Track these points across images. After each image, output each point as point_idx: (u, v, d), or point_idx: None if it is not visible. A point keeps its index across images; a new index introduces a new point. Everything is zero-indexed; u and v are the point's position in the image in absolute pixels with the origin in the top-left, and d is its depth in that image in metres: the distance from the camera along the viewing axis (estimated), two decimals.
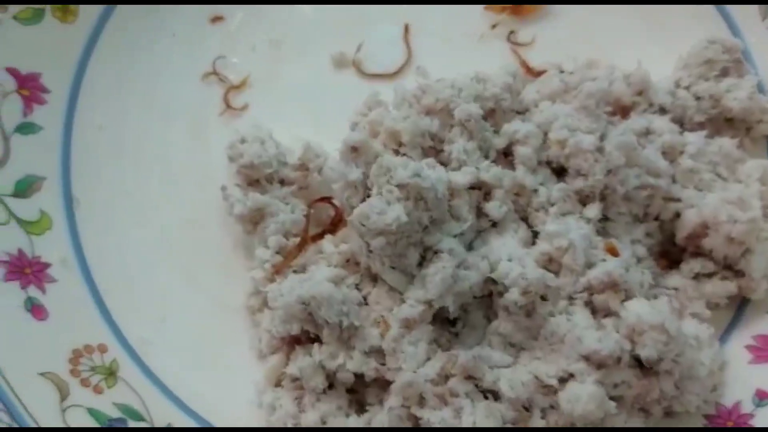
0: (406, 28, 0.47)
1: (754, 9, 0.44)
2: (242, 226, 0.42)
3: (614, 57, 0.44)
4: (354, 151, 0.39)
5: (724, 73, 0.42)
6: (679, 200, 0.39)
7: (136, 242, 0.43)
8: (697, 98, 0.42)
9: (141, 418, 0.38)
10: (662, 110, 0.42)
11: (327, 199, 0.42)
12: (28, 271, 0.39)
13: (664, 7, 0.46)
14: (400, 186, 0.36)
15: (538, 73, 0.45)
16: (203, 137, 0.45)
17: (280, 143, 0.43)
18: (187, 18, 0.47)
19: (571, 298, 0.37)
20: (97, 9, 0.45)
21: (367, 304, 0.38)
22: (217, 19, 0.47)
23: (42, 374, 0.37)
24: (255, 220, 0.42)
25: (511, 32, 0.47)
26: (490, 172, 0.39)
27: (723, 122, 0.42)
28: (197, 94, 0.46)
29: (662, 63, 0.44)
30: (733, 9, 0.45)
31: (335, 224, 0.41)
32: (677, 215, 0.39)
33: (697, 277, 0.39)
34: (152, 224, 0.43)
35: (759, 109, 0.41)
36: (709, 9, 0.45)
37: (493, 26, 0.47)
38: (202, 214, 0.43)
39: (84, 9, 0.44)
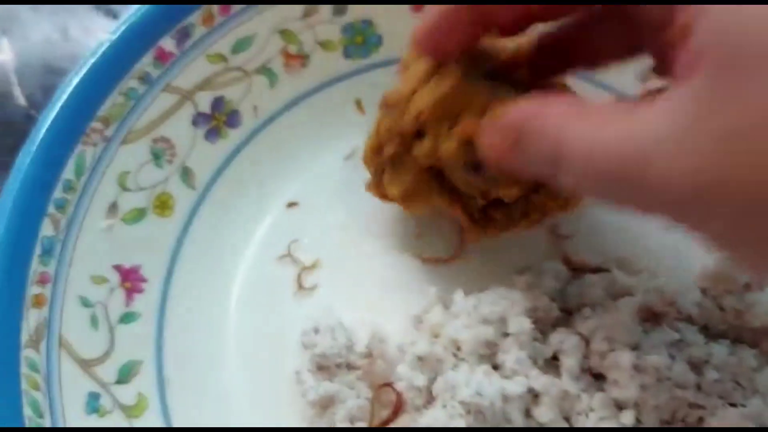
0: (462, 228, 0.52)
1: None
2: (313, 410, 0.47)
3: (651, 242, 0.51)
4: (420, 360, 0.44)
5: (747, 287, 0.48)
6: (703, 407, 0.44)
7: (218, 420, 0.48)
8: (722, 309, 0.47)
9: None
10: (689, 319, 0.47)
11: (389, 385, 0.47)
12: None
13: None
14: (461, 403, 0.41)
15: (580, 270, 0.50)
16: (278, 317, 0.50)
17: (347, 329, 0.48)
18: (266, 205, 0.53)
19: None
20: (189, 203, 0.50)
21: None
22: (292, 204, 0.53)
23: None
24: (325, 405, 0.47)
25: (554, 225, 0.53)
26: (540, 380, 0.44)
27: (744, 329, 0.47)
28: (273, 274, 0.51)
29: (687, 260, 0.50)
30: None
31: (396, 411, 0.46)
32: (701, 419, 0.44)
33: None
34: (231, 403, 0.48)
35: None
36: None
37: None
38: (276, 392, 0.48)
39: (179, 203, 0.50)
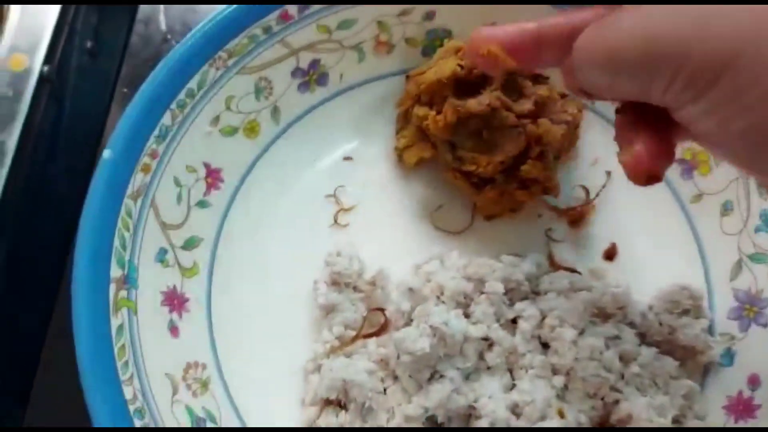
0: (475, 207, 0.64)
1: (727, 269, 0.60)
2: (319, 312, 0.60)
3: (620, 263, 0.62)
4: (410, 291, 0.56)
5: (685, 312, 0.58)
6: (621, 392, 0.55)
7: (247, 299, 0.60)
8: (660, 324, 0.58)
9: (215, 422, 0.56)
10: (632, 324, 0.58)
11: (381, 310, 0.59)
12: (176, 302, 0.57)
13: (672, 240, 0.62)
14: (431, 327, 0.53)
15: (557, 267, 0.62)
16: (314, 239, 0.63)
17: (362, 261, 0.61)
18: (328, 153, 0.66)
19: None
20: (271, 134, 0.64)
21: (385, 394, 0.55)
22: (347, 158, 0.66)
23: (166, 374, 0.54)
24: (329, 310, 0.59)
25: (549, 229, 0.64)
26: (497, 333, 0.55)
27: (675, 345, 0.58)
28: (318, 207, 0.64)
29: (648, 282, 0.60)
30: (713, 264, 0.61)
31: (381, 330, 0.58)
32: (617, 401, 0.55)
33: None
34: (261, 290, 0.60)
35: (702, 345, 0.57)
36: (698, 262, 0.61)
37: (539, 216, 0.64)
38: (296, 293, 0.61)
39: (265, 129, 0.63)
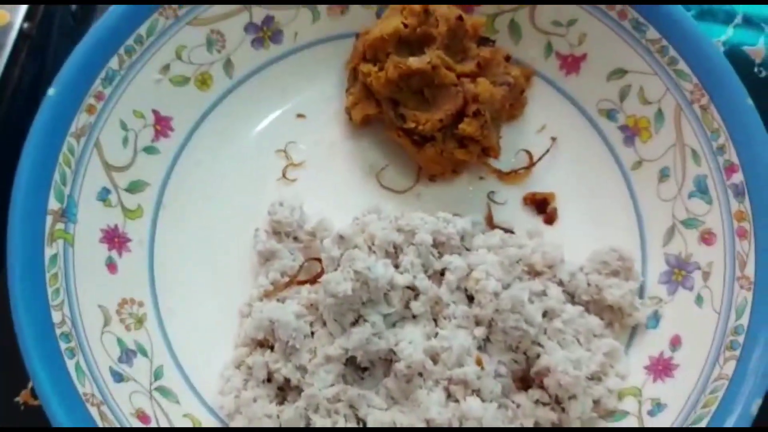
0: (420, 168, 0.65)
1: (660, 235, 0.60)
2: (258, 258, 0.61)
3: (560, 226, 0.63)
4: (341, 238, 0.57)
5: (615, 273, 0.58)
6: (543, 347, 0.55)
7: (190, 244, 0.62)
8: (588, 284, 0.58)
9: (146, 355, 0.57)
10: (561, 283, 0.58)
11: (318, 260, 0.60)
12: (116, 240, 0.59)
13: (611, 205, 0.63)
14: (355, 271, 0.54)
15: (494, 227, 0.62)
16: (260, 191, 0.64)
17: (304, 212, 0.62)
18: (280, 109, 0.67)
19: (437, 381, 0.53)
20: (223, 87, 0.65)
21: (312, 337, 0.56)
22: (300, 116, 0.67)
23: (99, 306, 0.56)
24: (267, 257, 0.60)
25: (491, 192, 0.65)
26: (423, 283, 0.56)
27: (602, 306, 0.58)
28: (268, 161, 0.65)
29: (585, 244, 0.61)
30: (649, 230, 0.61)
31: (316, 278, 0.60)
32: (539, 355, 0.55)
33: (536, 402, 0.55)
34: (204, 236, 0.62)
35: (629, 307, 0.57)
36: (635, 228, 0.62)
37: (481, 177, 0.65)
38: (239, 241, 0.62)
39: (217, 82, 0.65)
